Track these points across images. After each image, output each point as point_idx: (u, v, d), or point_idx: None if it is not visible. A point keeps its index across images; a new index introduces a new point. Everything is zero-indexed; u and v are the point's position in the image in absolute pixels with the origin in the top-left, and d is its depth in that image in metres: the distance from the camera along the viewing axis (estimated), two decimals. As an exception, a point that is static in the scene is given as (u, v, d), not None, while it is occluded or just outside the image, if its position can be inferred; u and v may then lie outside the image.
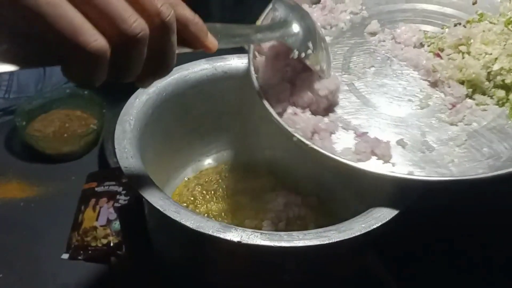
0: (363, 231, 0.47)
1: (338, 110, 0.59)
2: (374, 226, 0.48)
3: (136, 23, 0.36)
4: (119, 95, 0.95)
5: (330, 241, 0.46)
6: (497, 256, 0.72)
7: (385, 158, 0.54)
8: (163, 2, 0.37)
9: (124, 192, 0.80)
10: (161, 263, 0.64)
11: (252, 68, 0.60)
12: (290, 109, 0.57)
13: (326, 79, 0.57)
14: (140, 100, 0.62)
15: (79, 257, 0.75)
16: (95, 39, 0.34)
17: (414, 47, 0.63)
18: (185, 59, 0.68)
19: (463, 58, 0.59)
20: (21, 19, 0.33)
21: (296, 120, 0.56)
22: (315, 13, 0.67)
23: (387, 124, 0.57)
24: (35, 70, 1.00)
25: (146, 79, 0.41)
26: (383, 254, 0.66)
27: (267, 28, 0.55)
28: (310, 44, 0.55)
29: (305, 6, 0.64)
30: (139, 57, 0.38)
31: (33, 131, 0.91)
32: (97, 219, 0.77)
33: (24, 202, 0.83)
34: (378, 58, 0.63)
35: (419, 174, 0.52)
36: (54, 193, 0.85)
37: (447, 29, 0.63)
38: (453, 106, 0.58)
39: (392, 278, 0.66)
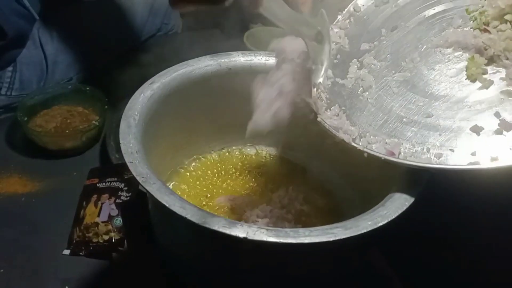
0: (369, 229, 0.47)
1: (402, 112, 0.57)
2: (380, 224, 0.48)
3: None
4: (121, 91, 0.96)
5: (337, 238, 0.45)
6: (502, 257, 0.72)
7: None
8: None
9: (126, 188, 0.80)
10: (163, 259, 0.64)
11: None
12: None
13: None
14: (145, 95, 0.61)
15: (81, 253, 0.74)
16: None
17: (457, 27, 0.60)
18: (190, 55, 0.69)
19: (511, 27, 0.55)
20: None
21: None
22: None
23: (455, 112, 0.54)
24: (38, 68, 1.00)
25: None
26: (386, 251, 0.66)
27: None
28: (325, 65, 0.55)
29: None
30: None
31: (35, 126, 0.90)
32: (98, 215, 0.77)
33: (26, 197, 0.82)
34: (425, 48, 0.60)
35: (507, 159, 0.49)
36: (55, 188, 0.84)
37: (486, 1, 0.58)
38: None
39: (395, 275, 0.66)
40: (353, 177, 0.66)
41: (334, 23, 0.67)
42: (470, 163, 0.50)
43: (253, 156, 0.76)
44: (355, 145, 0.56)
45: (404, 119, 0.56)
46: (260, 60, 0.69)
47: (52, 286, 0.70)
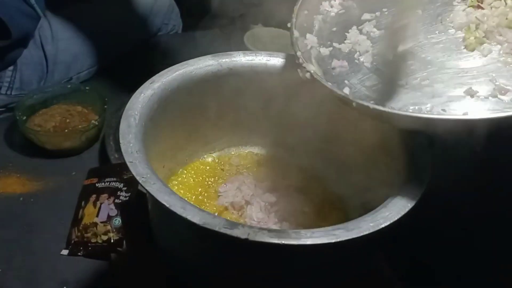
0: (371, 230, 0.46)
1: (396, 76, 0.57)
2: (383, 225, 0.47)
3: None
4: (120, 91, 0.96)
5: (338, 240, 0.45)
6: (504, 258, 0.71)
7: None
8: None
9: (125, 188, 0.79)
10: (162, 260, 0.64)
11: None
12: None
13: None
14: (145, 95, 0.61)
15: (79, 253, 0.74)
16: None
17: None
18: (190, 55, 0.68)
19: (506, 4, 0.56)
20: None
21: None
22: None
23: (450, 77, 0.54)
24: (38, 68, 0.99)
25: None
26: (387, 253, 0.66)
27: None
28: None
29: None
30: None
31: (34, 126, 0.90)
32: (97, 215, 0.76)
33: (24, 197, 0.82)
34: (427, 16, 0.60)
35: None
36: (54, 188, 0.84)
37: None
38: None
39: (395, 277, 0.66)
40: (354, 178, 0.65)
41: None
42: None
43: (254, 156, 0.75)
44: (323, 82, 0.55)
45: (399, 82, 0.56)
46: (261, 60, 0.69)
47: (50, 286, 0.70)
